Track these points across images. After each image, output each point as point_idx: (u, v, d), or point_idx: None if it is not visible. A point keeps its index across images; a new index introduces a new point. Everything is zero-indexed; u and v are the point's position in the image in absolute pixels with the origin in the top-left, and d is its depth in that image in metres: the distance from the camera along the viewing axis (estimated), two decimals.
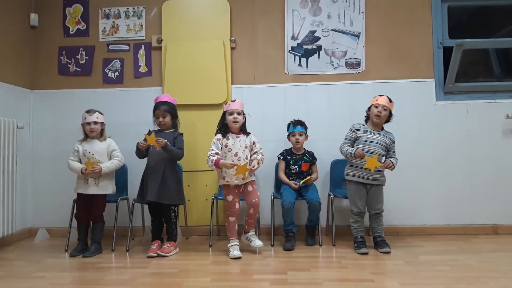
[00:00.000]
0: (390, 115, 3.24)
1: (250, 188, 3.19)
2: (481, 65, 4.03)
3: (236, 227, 3.21)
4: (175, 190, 3.21)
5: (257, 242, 3.15)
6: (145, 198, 3.15)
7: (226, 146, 3.17)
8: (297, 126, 3.50)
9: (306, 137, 3.53)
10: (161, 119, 3.28)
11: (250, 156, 3.22)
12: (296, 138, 3.48)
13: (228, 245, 3.13)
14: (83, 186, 3.21)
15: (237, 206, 3.17)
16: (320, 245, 3.33)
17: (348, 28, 3.85)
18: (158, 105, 3.29)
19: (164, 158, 3.19)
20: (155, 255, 3.10)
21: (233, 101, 3.24)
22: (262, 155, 3.24)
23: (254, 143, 3.26)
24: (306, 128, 3.54)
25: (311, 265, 2.86)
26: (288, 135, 3.55)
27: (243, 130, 3.27)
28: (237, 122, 3.19)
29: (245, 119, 3.29)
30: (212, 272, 2.75)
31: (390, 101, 3.22)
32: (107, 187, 3.26)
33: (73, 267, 2.95)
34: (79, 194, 3.25)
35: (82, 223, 3.28)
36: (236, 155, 3.14)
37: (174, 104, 3.37)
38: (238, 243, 3.14)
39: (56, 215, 3.81)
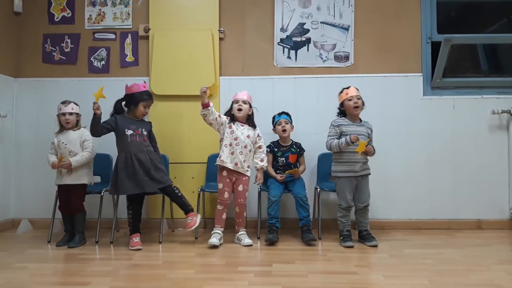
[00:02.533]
0: (363, 103, 3.24)
1: (240, 187, 3.23)
2: (469, 60, 4.05)
3: (224, 216, 3.23)
4: (165, 171, 3.27)
5: (245, 241, 3.17)
6: (125, 192, 3.10)
7: (230, 127, 3.22)
8: (282, 115, 3.49)
9: (292, 127, 3.51)
10: (147, 109, 3.26)
11: (254, 149, 3.29)
12: (283, 126, 3.46)
13: (211, 232, 3.19)
14: (58, 177, 3.21)
15: (226, 195, 3.20)
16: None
17: (338, 21, 3.83)
18: (147, 95, 3.23)
19: (145, 145, 3.18)
20: (141, 247, 3.07)
21: (240, 92, 3.31)
22: (262, 162, 3.30)
23: (258, 135, 3.32)
24: (291, 118, 3.52)
25: (296, 257, 2.85)
26: (274, 125, 3.53)
27: (248, 121, 3.30)
28: (241, 110, 3.22)
29: (252, 112, 3.31)
30: (196, 264, 2.73)
31: (357, 90, 3.23)
32: (82, 177, 3.20)
33: (55, 258, 2.91)
34: (59, 186, 3.23)
35: (66, 214, 3.25)
36: (236, 139, 3.19)
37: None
38: (220, 232, 3.19)
39: (39, 206, 3.76)
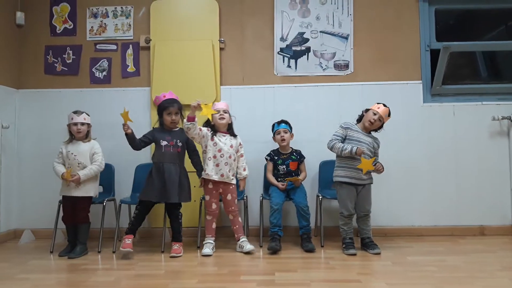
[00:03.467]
0: (381, 127, 3.24)
1: (229, 197, 3.26)
2: (468, 67, 4.08)
3: (214, 226, 3.27)
4: (188, 188, 3.27)
5: (247, 247, 3.17)
6: (156, 199, 3.12)
7: (212, 139, 3.21)
8: (281, 124, 3.50)
9: (292, 135, 3.52)
10: (174, 116, 3.25)
11: (236, 157, 3.30)
12: (281, 135, 3.47)
13: (203, 242, 3.22)
14: (66, 189, 3.19)
15: (213, 206, 3.24)
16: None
17: (337, 30, 3.87)
18: (170, 102, 3.24)
19: (178, 157, 3.21)
20: (132, 250, 3.07)
21: (218, 102, 3.33)
22: (245, 171, 3.34)
23: (240, 144, 3.34)
24: (290, 127, 3.53)
25: (299, 266, 2.85)
26: (274, 134, 3.54)
27: (229, 131, 3.30)
28: (223, 119, 3.23)
29: (232, 121, 3.32)
30: (199, 274, 2.72)
31: (389, 115, 3.22)
32: (89, 190, 3.21)
33: (58, 268, 2.91)
34: (63, 197, 3.22)
35: (69, 225, 3.24)
36: (220, 150, 3.19)
37: (181, 104, 3.35)
38: (212, 242, 3.22)
39: (41, 217, 3.76)
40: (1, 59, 3.71)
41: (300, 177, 3.48)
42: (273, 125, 3.56)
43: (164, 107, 3.24)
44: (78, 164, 3.18)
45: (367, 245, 3.17)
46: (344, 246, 3.17)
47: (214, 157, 3.19)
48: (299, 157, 3.55)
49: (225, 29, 3.89)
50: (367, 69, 3.84)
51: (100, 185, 3.60)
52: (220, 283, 2.53)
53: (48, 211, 3.59)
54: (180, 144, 3.25)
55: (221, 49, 3.87)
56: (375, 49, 3.85)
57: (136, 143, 3.19)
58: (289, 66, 3.88)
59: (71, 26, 3.95)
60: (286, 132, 3.48)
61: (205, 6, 3.87)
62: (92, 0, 3.94)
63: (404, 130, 3.77)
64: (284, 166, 3.49)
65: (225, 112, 3.26)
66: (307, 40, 3.88)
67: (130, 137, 3.15)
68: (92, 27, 3.93)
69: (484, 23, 4.11)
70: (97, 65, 3.92)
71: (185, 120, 3.10)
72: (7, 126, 3.59)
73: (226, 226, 3.75)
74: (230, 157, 3.22)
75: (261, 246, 3.32)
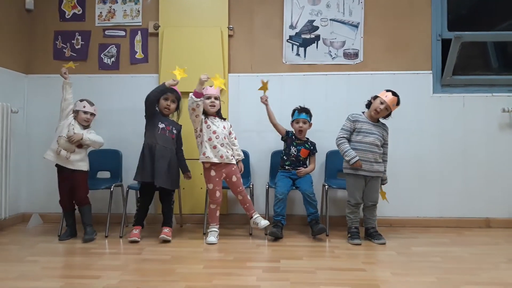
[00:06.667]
0: (389, 114, 3.22)
1: (234, 178, 3.27)
2: (479, 58, 4.02)
3: (217, 214, 3.27)
4: (177, 175, 3.28)
5: (262, 222, 3.22)
6: (149, 179, 3.10)
7: (206, 122, 3.23)
8: (302, 113, 3.47)
9: (310, 125, 3.51)
10: (169, 102, 3.28)
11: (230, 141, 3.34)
12: (300, 125, 3.46)
13: (208, 230, 3.23)
14: (57, 157, 3.17)
15: (217, 194, 3.24)
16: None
17: (347, 18, 3.82)
18: (170, 89, 3.25)
19: (171, 142, 3.23)
20: (139, 239, 3.12)
21: (210, 86, 3.28)
22: (241, 153, 3.42)
23: (231, 126, 3.40)
24: (311, 116, 3.51)
25: (304, 254, 2.87)
26: (292, 121, 3.53)
27: (218, 115, 3.34)
28: (214, 106, 3.27)
29: (220, 106, 3.36)
30: (205, 259, 2.75)
31: (398, 103, 3.18)
32: (83, 165, 3.23)
33: (66, 252, 2.95)
34: (59, 172, 3.22)
35: (67, 210, 3.28)
36: (214, 132, 3.21)
37: (180, 95, 3.37)
38: (216, 230, 3.23)
39: (49, 201, 3.78)
40: (10, 44, 3.73)
41: (308, 169, 3.48)
42: (294, 111, 3.53)
43: (159, 92, 3.24)
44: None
45: (372, 235, 3.18)
46: (349, 235, 3.18)
47: (210, 139, 3.20)
48: (313, 148, 3.54)
49: (234, 16, 3.87)
50: (377, 58, 3.81)
51: (107, 170, 3.65)
52: (226, 269, 2.56)
53: (56, 196, 3.60)
54: (175, 131, 3.29)
55: (229, 36, 3.85)
56: (385, 38, 3.81)
57: (159, 96, 3.21)
58: (298, 54, 3.85)
59: (80, 12, 3.94)
60: (305, 123, 3.47)
61: None
62: None
63: (413, 121, 3.75)
64: (296, 150, 3.48)
65: (216, 99, 3.27)
66: (316, 28, 3.84)
67: (164, 89, 3.19)
68: (101, 12, 3.93)
69: (496, 13, 4.04)
70: (106, 51, 3.92)
71: (192, 96, 3.09)
72: (16, 111, 3.62)
73: (231, 214, 3.79)
74: (224, 138, 3.25)
75: (266, 234, 3.34)
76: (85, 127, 3.28)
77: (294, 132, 3.52)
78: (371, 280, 2.35)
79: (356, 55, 3.82)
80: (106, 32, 3.92)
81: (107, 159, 3.52)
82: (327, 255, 2.90)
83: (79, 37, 3.93)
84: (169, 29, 3.81)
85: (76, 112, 3.25)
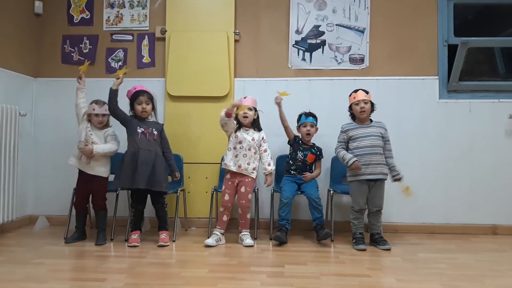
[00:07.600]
0: (372, 105, 3.24)
1: (243, 189, 3.27)
2: (486, 64, 4.01)
3: (225, 218, 3.28)
4: (163, 176, 3.22)
5: (246, 241, 3.20)
6: (127, 185, 3.13)
7: (235, 132, 3.30)
8: (309, 117, 3.49)
9: (316, 129, 3.52)
10: (144, 105, 3.24)
11: (259, 153, 3.34)
12: (307, 129, 3.47)
13: (213, 233, 3.25)
14: (83, 165, 3.22)
15: (226, 197, 3.26)
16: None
17: (353, 23, 3.83)
18: (139, 93, 3.25)
19: (155, 144, 3.21)
20: (138, 244, 3.13)
21: (245, 98, 3.34)
22: (270, 166, 3.32)
23: (263, 138, 3.36)
24: (317, 120, 3.53)
25: (308, 259, 2.86)
26: (299, 126, 3.53)
27: (254, 125, 3.35)
28: (246, 117, 3.28)
29: (258, 116, 3.36)
30: (209, 263, 2.76)
31: (367, 92, 3.23)
32: (103, 172, 3.26)
33: (72, 254, 2.97)
34: (79, 178, 3.26)
35: (81, 211, 3.30)
36: (240, 142, 3.25)
37: (152, 95, 3.34)
38: (218, 233, 3.25)
39: (56, 204, 3.83)
40: (19, 47, 3.77)
41: (314, 174, 3.49)
42: (300, 116, 3.54)
43: (134, 97, 3.24)
44: (92, 143, 3.21)
45: (377, 241, 3.17)
46: (354, 241, 3.17)
47: (234, 148, 3.26)
48: (319, 154, 3.54)
49: (241, 21, 3.89)
50: (383, 64, 3.81)
51: (112, 174, 3.66)
52: (231, 273, 2.56)
53: (62, 198, 3.66)
54: (155, 132, 3.25)
55: (236, 41, 3.87)
56: (391, 43, 3.81)
57: (115, 102, 3.17)
58: (303, 59, 3.86)
59: (88, 16, 3.98)
60: (312, 127, 3.49)
61: None
62: None
63: (419, 126, 3.74)
64: (303, 154, 3.49)
65: (250, 110, 3.29)
66: (322, 33, 3.85)
67: (115, 92, 3.17)
68: (108, 17, 3.97)
69: (503, 18, 4.02)
70: (113, 55, 3.95)
71: (222, 114, 3.17)
72: (25, 114, 3.66)
73: (236, 218, 3.78)
74: (249, 149, 3.26)
75: (271, 239, 3.34)
76: (103, 126, 3.30)
77: (301, 137, 3.53)
78: (376, 286, 2.34)
79: (362, 60, 3.83)
80: (114, 37, 3.96)
81: (112, 163, 3.53)
82: (331, 261, 2.89)
83: (87, 41, 3.97)
84: (176, 34, 3.84)
85: (89, 116, 3.28)
